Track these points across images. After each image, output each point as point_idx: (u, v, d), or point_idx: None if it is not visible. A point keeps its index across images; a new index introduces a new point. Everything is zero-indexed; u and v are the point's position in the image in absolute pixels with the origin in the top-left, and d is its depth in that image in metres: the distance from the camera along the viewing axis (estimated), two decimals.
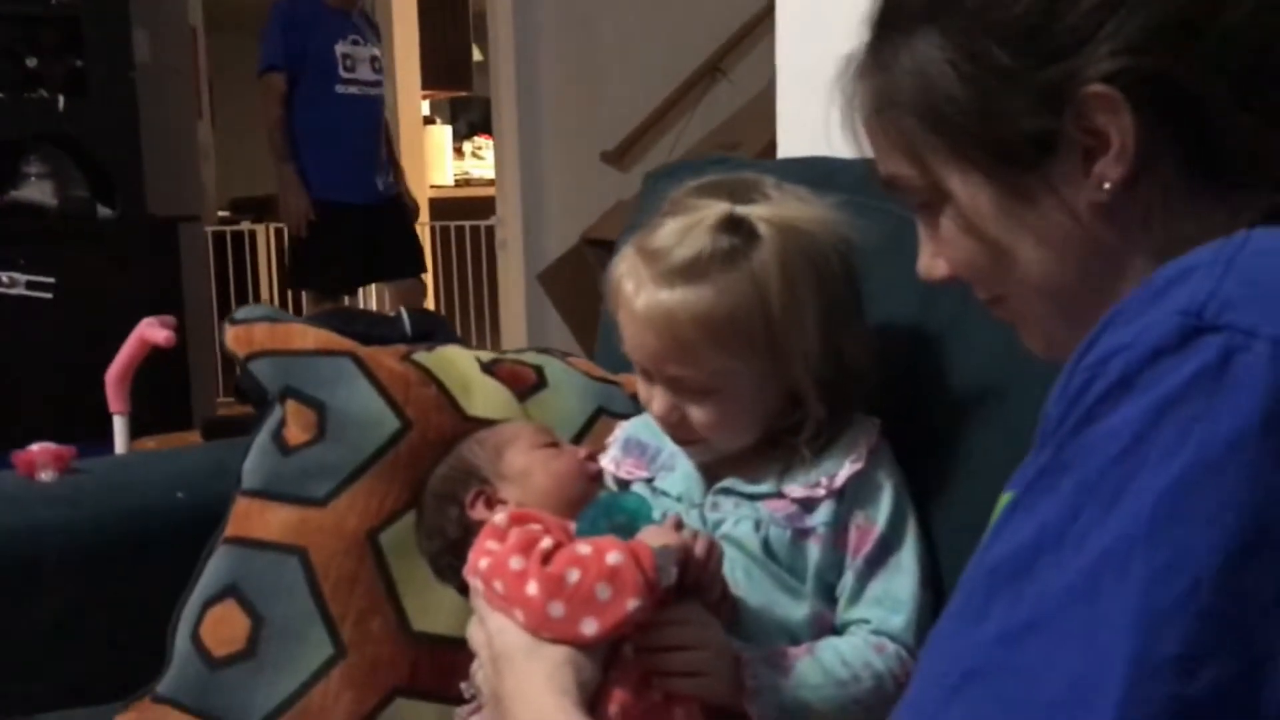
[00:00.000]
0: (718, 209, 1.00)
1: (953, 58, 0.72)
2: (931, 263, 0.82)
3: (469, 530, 0.97)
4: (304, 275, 4.36)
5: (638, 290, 1.01)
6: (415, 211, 4.64)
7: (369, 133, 4.23)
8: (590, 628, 0.86)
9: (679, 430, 1.05)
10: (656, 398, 1.04)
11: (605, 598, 0.86)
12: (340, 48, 4.13)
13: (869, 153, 1.00)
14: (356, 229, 4.19)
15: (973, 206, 0.75)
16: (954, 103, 0.72)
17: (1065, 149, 0.70)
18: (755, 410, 1.04)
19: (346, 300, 4.60)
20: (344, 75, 4.13)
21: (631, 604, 0.87)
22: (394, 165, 4.49)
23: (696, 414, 1.03)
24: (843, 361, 1.03)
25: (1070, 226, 0.72)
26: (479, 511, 1.00)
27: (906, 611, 1.02)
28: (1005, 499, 0.70)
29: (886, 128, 0.77)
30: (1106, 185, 0.70)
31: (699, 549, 0.96)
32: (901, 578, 1.03)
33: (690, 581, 0.93)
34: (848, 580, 1.04)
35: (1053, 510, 0.55)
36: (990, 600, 0.55)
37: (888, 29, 0.76)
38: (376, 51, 4.26)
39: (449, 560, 1.02)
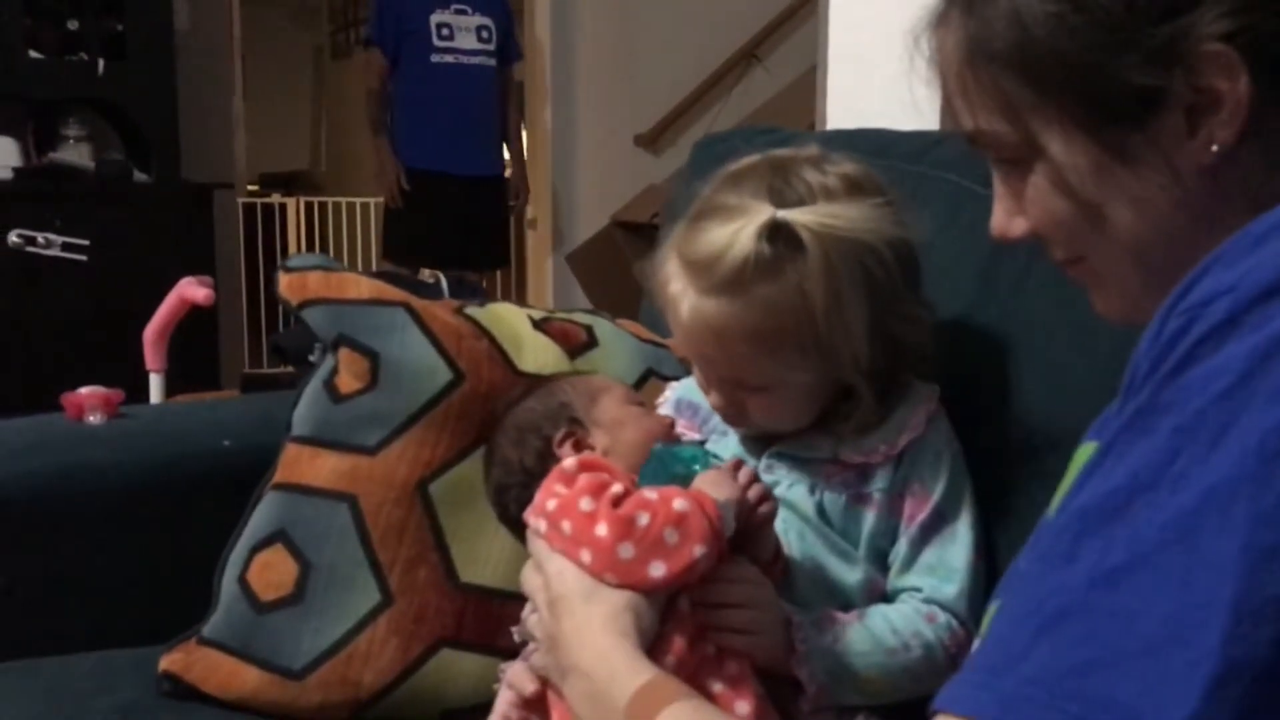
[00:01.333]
0: (760, 216, 0.96)
1: (1057, 9, 0.70)
2: (1008, 221, 0.79)
3: (547, 466, 0.97)
4: (394, 248, 4.31)
5: (682, 297, 1.00)
6: (519, 196, 4.53)
7: (470, 103, 4.17)
8: (659, 570, 0.86)
9: (737, 420, 1.05)
10: (713, 393, 1.04)
11: (673, 542, 0.86)
12: (437, 17, 4.11)
13: (932, 114, 1.00)
14: (454, 202, 4.15)
15: (1070, 164, 0.72)
16: (1057, 56, 0.70)
17: (1172, 107, 0.68)
18: (811, 400, 1.04)
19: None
20: (438, 45, 4.12)
21: (698, 549, 0.87)
22: (510, 143, 4.42)
23: (752, 405, 1.03)
24: (896, 346, 1.02)
25: (1170, 187, 0.70)
26: (566, 451, 1.00)
27: (959, 581, 1.01)
28: (1087, 450, 0.69)
29: (979, 80, 0.74)
30: (1215, 147, 0.68)
31: (752, 494, 0.96)
32: (956, 547, 1.03)
33: (741, 528, 0.93)
34: (901, 547, 1.03)
35: (1149, 452, 0.54)
36: (1080, 542, 0.54)
37: None
38: (486, 21, 4.20)
39: (516, 494, 1.01)
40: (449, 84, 4.13)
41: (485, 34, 4.19)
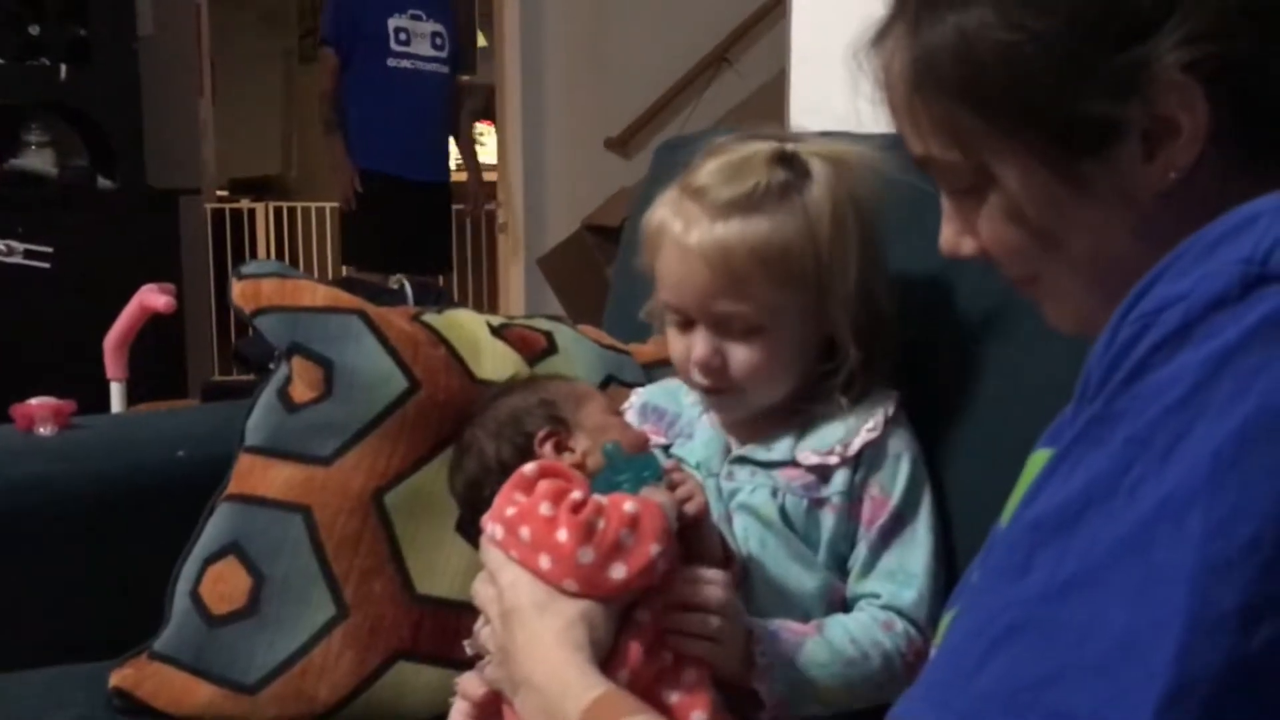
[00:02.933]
0: (768, 145, 1.01)
1: (1009, 38, 0.68)
2: (957, 240, 0.78)
3: (524, 463, 0.95)
4: (352, 250, 4.36)
5: (689, 227, 1.00)
6: (476, 202, 4.63)
7: (425, 109, 4.23)
8: (619, 572, 0.85)
9: (717, 378, 1.03)
10: (698, 342, 1.02)
11: (630, 544, 0.86)
12: (394, 21, 4.14)
13: (887, 127, 0.99)
14: (407, 204, 4.20)
15: (1025, 194, 0.71)
16: (1010, 87, 0.68)
17: (1129, 134, 0.67)
18: (796, 353, 1.03)
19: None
20: (396, 49, 4.16)
21: (654, 548, 0.86)
22: (462, 150, 4.55)
23: (739, 356, 1.01)
24: (875, 305, 1.03)
25: (1126, 213, 0.69)
26: (547, 451, 0.98)
27: (918, 586, 1.01)
28: (1041, 456, 0.69)
29: (928, 109, 0.72)
30: (1173, 174, 0.67)
31: (680, 493, 0.95)
32: (915, 551, 1.02)
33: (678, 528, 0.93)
34: (860, 552, 1.02)
35: (1102, 462, 0.53)
36: (1033, 554, 0.53)
37: None
38: (440, 28, 4.25)
39: (490, 490, 0.99)
40: (406, 89, 4.16)
41: (439, 41, 4.25)
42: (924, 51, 0.72)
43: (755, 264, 0.98)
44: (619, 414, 1.07)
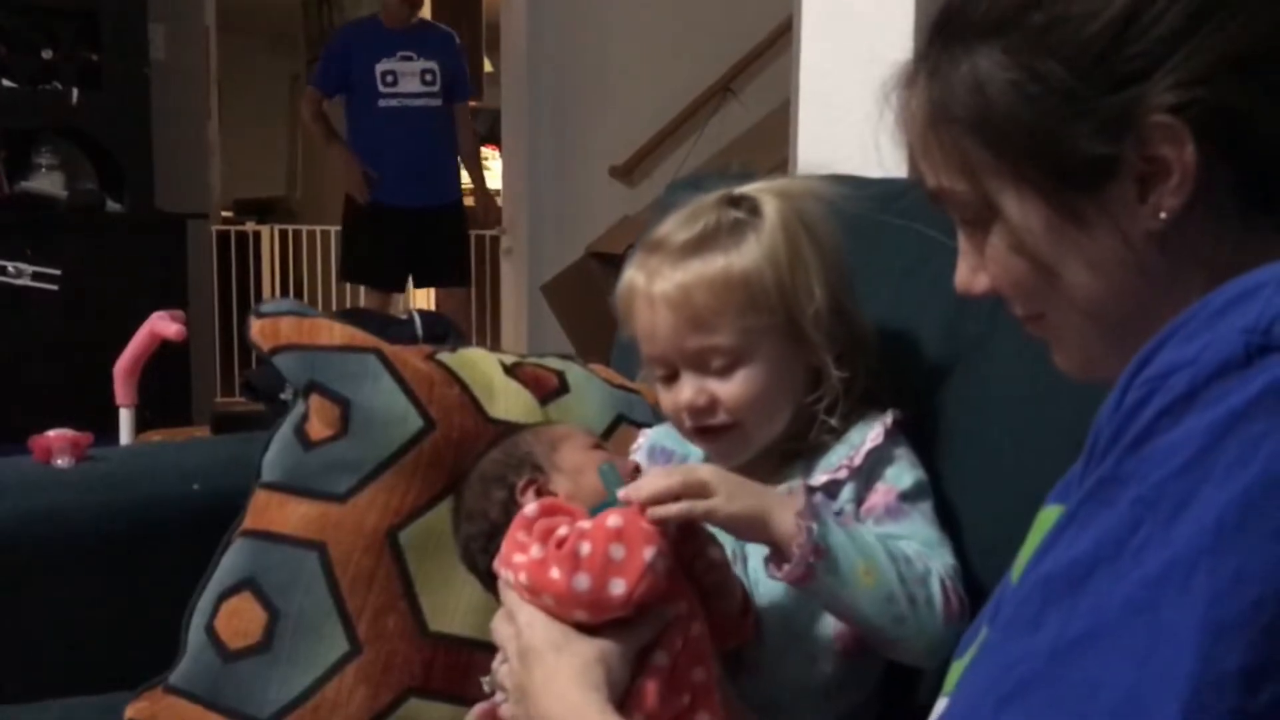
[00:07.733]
0: (719, 192, 1.06)
1: (1016, 77, 0.72)
2: (971, 277, 0.81)
3: (512, 516, 0.97)
4: (352, 270, 4.77)
5: (651, 279, 1.04)
6: (487, 218, 4.96)
7: (416, 141, 4.53)
8: (619, 587, 0.86)
9: (710, 417, 1.04)
10: (684, 386, 1.04)
11: (621, 556, 0.87)
12: (382, 66, 4.49)
13: (895, 168, 1.01)
14: (403, 231, 4.53)
15: (1025, 225, 0.74)
16: (1014, 122, 0.72)
17: (1123, 174, 0.70)
18: (781, 381, 1.04)
19: (397, 298, 5.01)
20: (383, 90, 4.50)
21: (647, 552, 0.87)
22: (468, 172, 4.91)
23: (725, 392, 1.02)
24: (850, 323, 1.06)
25: (1122, 251, 0.72)
26: (529, 499, 1.00)
27: (942, 551, 1.00)
28: (1050, 513, 0.70)
29: (941, 141, 0.76)
30: (1163, 214, 0.70)
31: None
32: (927, 528, 1.02)
33: (701, 586, 0.94)
34: (868, 526, 1.02)
35: (1110, 523, 0.54)
36: (1044, 611, 0.55)
37: (948, 40, 0.76)
38: (431, 65, 4.57)
39: (483, 544, 1.01)
40: (396, 125, 4.51)
41: (430, 77, 4.59)
42: (941, 89, 0.76)
43: (716, 298, 1.01)
44: (601, 448, 1.08)
